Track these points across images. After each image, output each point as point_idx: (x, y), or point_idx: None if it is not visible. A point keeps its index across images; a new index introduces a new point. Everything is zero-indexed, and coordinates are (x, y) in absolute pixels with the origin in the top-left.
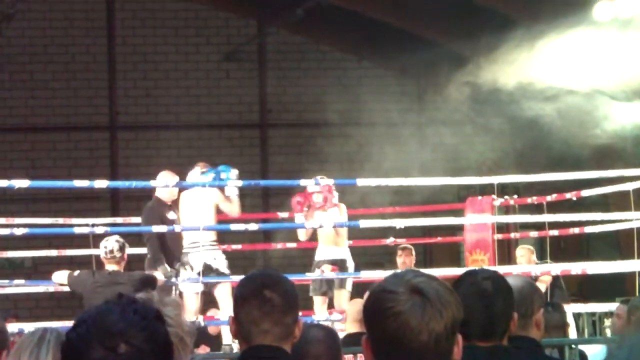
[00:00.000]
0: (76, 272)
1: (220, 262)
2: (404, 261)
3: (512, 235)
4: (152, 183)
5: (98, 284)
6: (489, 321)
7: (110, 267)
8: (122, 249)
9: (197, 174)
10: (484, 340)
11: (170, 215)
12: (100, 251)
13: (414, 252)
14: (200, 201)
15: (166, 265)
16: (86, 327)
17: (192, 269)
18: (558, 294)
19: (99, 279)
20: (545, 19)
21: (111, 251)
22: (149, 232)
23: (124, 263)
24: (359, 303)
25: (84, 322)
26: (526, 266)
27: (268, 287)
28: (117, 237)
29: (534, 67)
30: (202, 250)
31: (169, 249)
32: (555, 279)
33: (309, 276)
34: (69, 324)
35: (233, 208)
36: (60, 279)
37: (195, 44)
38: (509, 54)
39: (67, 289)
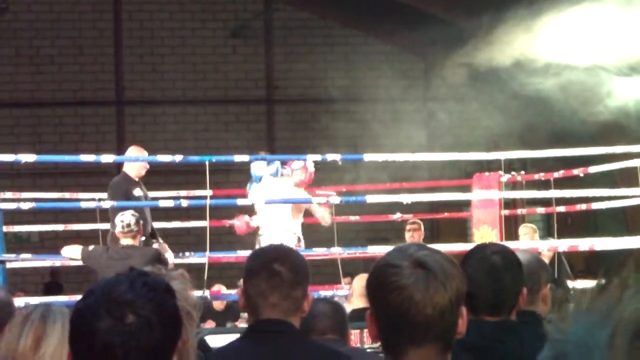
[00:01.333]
0: (90, 247)
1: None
2: (412, 236)
3: (519, 211)
4: (158, 158)
5: (112, 259)
6: (497, 296)
7: (125, 241)
8: (138, 222)
9: (264, 166)
10: (492, 314)
11: (136, 191)
12: (116, 225)
13: (422, 228)
14: (282, 192)
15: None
16: (94, 297)
17: None
18: (562, 270)
19: (112, 254)
20: None
21: (128, 225)
22: (117, 207)
23: (139, 237)
24: (364, 278)
25: (93, 293)
26: (533, 242)
27: (277, 261)
28: (132, 211)
29: (539, 43)
30: (284, 232)
31: None
32: (558, 255)
33: (316, 251)
34: (75, 298)
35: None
36: (71, 254)
37: (202, 19)
38: (514, 30)
39: (74, 263)
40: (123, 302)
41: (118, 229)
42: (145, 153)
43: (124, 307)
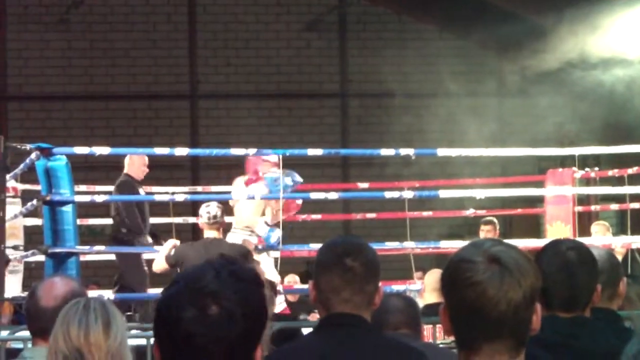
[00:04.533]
0: (172, 252)
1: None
2: (486, 237)
3: (593, 207)
4: (232, 151)
5: (201, 254)
6: (572, 292)
7: (210, 233)
8: (223, 214)
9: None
10: (566, 310)
11: (141, 191)
12: (201, 217)
13: (498, 227)
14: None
15: (148, 236)
16: (179, 286)
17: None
18: (636, 267)
19: (201, 250)
20: None
21: (215, 216)
22: (128, 206)
23: (222, 229)
24: (437, 273)
25: (179, 282)
26: (606, 238)
27: (349, 256)
28: (216, 202)
29: (616, 37)
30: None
31: (144, 222)
32: (631, 251)
33: (388, 246)
34: (151, 291)
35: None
36: (160, 267)
37: (276, 13)
38: (590, 25)
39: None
40: (207, 293)
41: (203, 220)
42: (146, 158)
43: (207, 297)
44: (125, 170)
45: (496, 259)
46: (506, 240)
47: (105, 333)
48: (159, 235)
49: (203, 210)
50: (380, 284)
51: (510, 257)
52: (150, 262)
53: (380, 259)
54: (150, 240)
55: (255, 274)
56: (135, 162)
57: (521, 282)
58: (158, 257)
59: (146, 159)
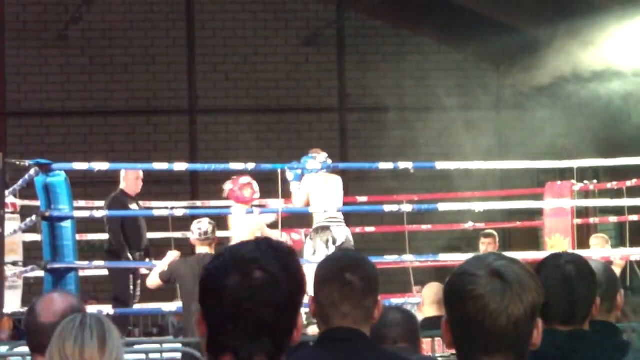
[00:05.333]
0: (166, 267)
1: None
2: (487, 249)
3: (592, 220)
4: (231, 166)
5: (195, 270)
6: (571, 305)
7: (202, 249)
8: (214, 230)
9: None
10: (565, 324)
11: (133, 206)
12: (193, 233)
13: (497, 240)
14: (332, 184)
15: (128, 254)
16: (223, 258)
17: (334, 241)
18: (635, 279)
19: (195, 265)
20: (624, 2)
21: (206, 232)
22: (113, 222)
23: (214, 245)
24: (435, 286)
25: (221, 255)
26: (605, 250)
27: (349, 270)
28: (207, 219)
29: (613, 50)
30: (343, 225)
31: (128, 239)
32: (630, 264)
33: (387, 259)
34: (147, 306)
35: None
36: (155, 282)
37: (275, 28)
38: (588, 38)
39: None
40: (250, 260)
41: (195, 236)
42: (141, 173)
43: (251, 264)
44: (120, 186)
45: (498, 273)
46: (505, 253)
47: (101, 349)
48: (150, 250)
49: (194, 226)
50: (379, 298)
51: (512, 271)
52: (144, 277)
53: (379, 273)
54: (130, 257)
55: (292, 248)
56: (129, 177)
57: (522, 297)
58: (153, 272)
59: (140, 172)
